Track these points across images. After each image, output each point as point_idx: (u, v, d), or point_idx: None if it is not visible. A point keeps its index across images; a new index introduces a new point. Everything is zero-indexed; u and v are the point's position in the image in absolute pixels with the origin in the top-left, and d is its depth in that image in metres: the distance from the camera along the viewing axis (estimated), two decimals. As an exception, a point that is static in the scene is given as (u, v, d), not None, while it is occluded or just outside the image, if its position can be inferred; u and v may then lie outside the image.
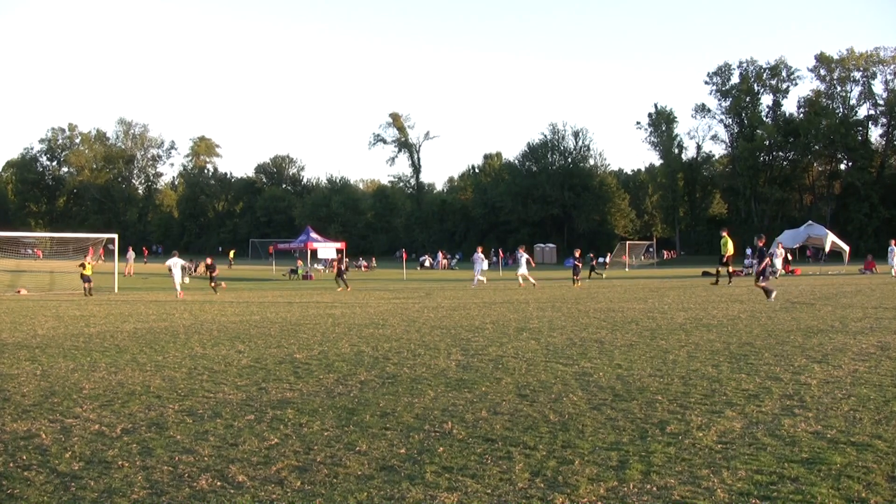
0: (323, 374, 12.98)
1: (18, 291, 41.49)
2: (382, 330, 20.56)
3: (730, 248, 40.01)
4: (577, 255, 46.32)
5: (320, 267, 78.57)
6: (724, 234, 40.34)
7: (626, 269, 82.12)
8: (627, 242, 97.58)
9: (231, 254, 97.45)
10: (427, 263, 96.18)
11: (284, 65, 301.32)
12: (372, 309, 28.30)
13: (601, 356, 14.81)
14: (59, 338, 19.44)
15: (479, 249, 50.94)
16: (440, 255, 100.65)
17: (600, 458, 7.67)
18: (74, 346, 17.62)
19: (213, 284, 42.76)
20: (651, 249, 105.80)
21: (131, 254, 73.83)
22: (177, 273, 39.63)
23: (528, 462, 7.60)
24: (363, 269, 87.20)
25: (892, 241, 51.02)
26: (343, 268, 47.17)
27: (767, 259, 29.71)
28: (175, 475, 7.27)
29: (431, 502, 6.56)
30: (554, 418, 9.43)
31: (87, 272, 40.37)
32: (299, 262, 73.37)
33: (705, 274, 56.34)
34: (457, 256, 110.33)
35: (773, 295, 27.73)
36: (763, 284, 28.16)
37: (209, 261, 45.42)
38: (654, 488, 6.77)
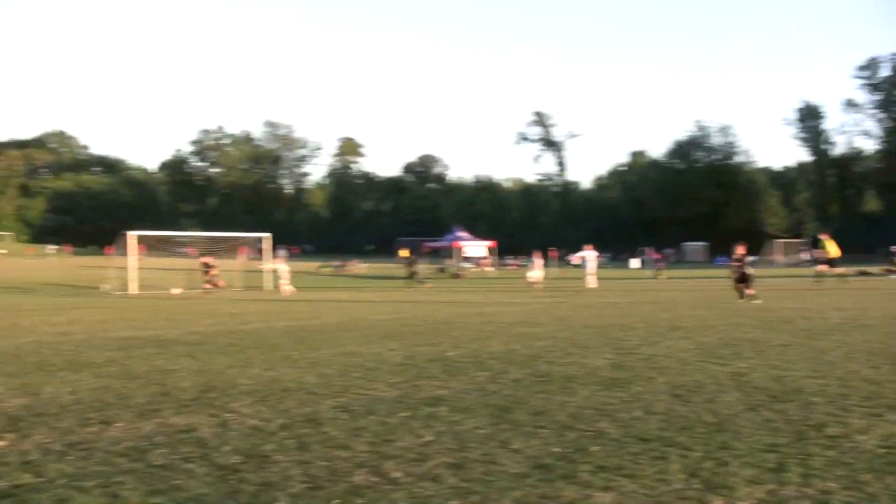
0: (475, 372, 12.99)
1: (170, 291, 42.60)
2: (533, 328, 20.51)
3: (832, 249, 39.36)
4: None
5: (469, 265, 78.76)
6: (825, 237, 39.84)
7: (776, 268, 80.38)
8: (779, 240, 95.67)
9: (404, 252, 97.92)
10: (575, 262, 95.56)
11: (429, 64, 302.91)
12: (521, 307, 28.27)
13: (756, 356, 14.52)
14: (214, 335, 19.87)
15: (589, 248, 49.83)
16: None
17: (758, 461, 7.50)
18: (230, 342, 17.96)
19: (206, 284, 41.86)
20: (806, 247, 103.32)
21: (282, 253, 75.04)
22: (283, 272, 40.09)
23: (685, 462, 7.48)
24: (512, 267, 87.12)
25: None
26: (413, 267, 45.97)
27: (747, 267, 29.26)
28: (331, 470, 7.34)
29: (586, 501, 6.51)
30: (709, 419, 9.28)
31: (214, 272, 41.52)
32: (448, 261, 73.62)
33: (862, 274, 54.94)
34: (606, 256, 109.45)
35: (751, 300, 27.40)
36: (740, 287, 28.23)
37: (203, 260, 43.42)
38: (815, 492, 6.60)
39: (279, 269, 40.14)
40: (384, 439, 8.50)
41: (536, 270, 45.48)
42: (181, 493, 6.71)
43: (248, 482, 7.01)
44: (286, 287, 39.12)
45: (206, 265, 42.49)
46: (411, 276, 44.34)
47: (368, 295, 38.48)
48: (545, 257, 58.58)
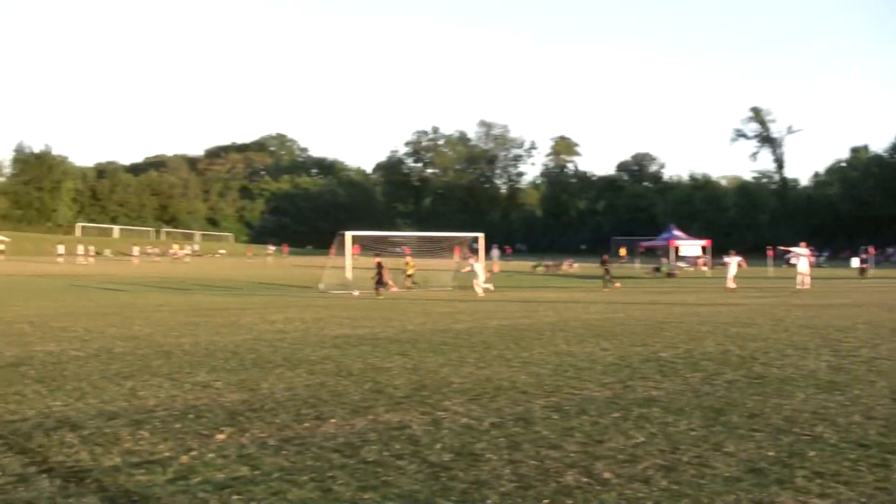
0: (689, 373, 12.80)
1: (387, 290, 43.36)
2: (748, 329, 20.13)
3: None
4: None
5: (683, 265, 77.58)
6: None
7: None
8: None
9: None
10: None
11: (644, 62, 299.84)
12: (737, 308, 27.76)
13: None
14: (427, 333, 20.07)
15: (803, 245, 48.14)
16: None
17: None
18: (443, 341, 18.12)
19: (376, 289, 39.87)
20: None
21: (495, 252, 75.71)
22: (478, 270, 39.88)
23: (907, 470, 7.22)
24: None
25: None
26: (606, 266, 44.90)
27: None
28: (541, 470, 7.34)
29: (802, 508, 6.35)
30: (935, 425, 8.93)
31: (410, 272, 41.94)
32: (663, 260, 72.76)
33: None
34: (822, 255, 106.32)
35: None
36: None
37: (376, 260, 42.11)
38: None
39: (475, 268, 40.21)
40: (595, 440, 8.46)
41: (732, 269, 44.43)
42: (392, 490, 6.80)
43: (458, 480, 7.06)
44: (481, 286, 38.99)
45: (380, 265, 42.29)
46: (606, 274, 43.96)
47: (581, 294, 38.34)
48: (764, 256, 57.27)
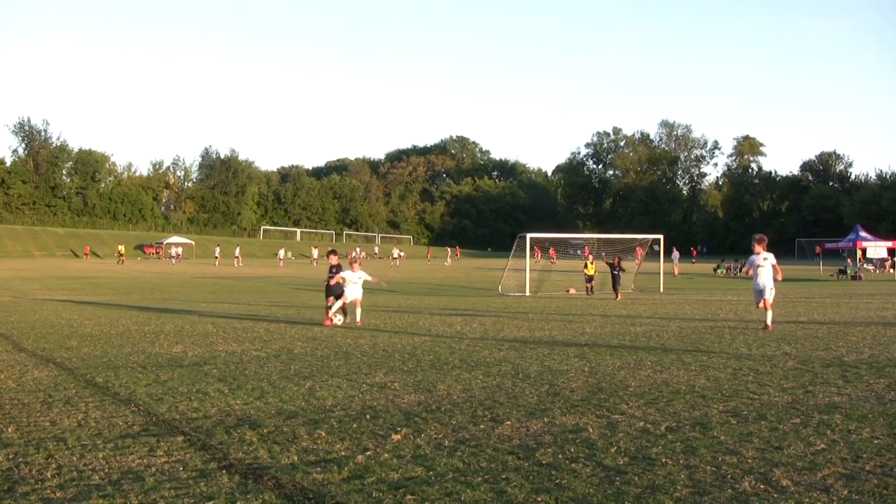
0: (873, 379, 12.41)
1: (567, 291, 43.21)
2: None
3: None
4: None
5: (870, 267, 75.36)
6: None
7: None
8: None
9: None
10: None
11: (828, 56, 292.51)
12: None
13: None
14: (605, 336, 19.94)
15: None
16: None
17: None
18: (621, 343, 18.01)
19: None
20: None
21: (676, 254, 74.95)
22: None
23: None
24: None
25: None
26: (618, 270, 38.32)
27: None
28: (718, 475, 7.22)
29: None
30: None
31: (590, 272, 41.35)
32: (849, 261, 70.88)
33: None
34: None
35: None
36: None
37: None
38: None
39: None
40: (774, 446, 8.28)
41: None
42: (566, 493, 6.78)
43: (632, 484, 6.99)
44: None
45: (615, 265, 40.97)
46: (614, 280, 38.63)
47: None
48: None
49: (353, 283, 23.53)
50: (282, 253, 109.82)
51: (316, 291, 23.28)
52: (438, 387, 12.16)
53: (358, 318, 23.35)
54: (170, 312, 24.60)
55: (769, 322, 20.90)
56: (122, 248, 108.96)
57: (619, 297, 36.36)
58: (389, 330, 21.60)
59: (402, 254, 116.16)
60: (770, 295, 20.85)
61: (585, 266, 41.94)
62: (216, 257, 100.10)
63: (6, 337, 19.86)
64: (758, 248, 21.36)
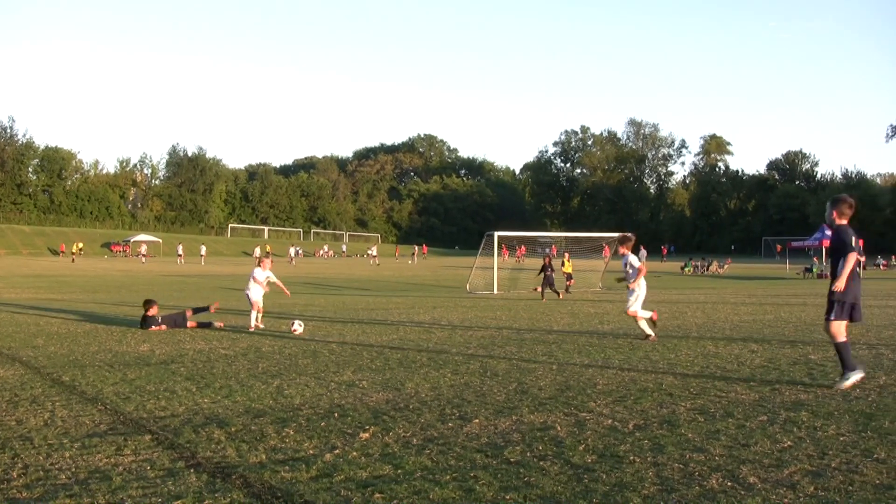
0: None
1: (535, 290, 43.26)
2: (901, 332, 19.62)
3: None
4: None
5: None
6: None
7: None
8: None
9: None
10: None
11: (795, 55, 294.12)
12: (893, 310, 27.07)
13: None
14: (573, 334, 20.01)
15: None
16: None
17: None
18: (588, 342, 18.05)
19: None
20: None
21: (643, 253, 75.26)
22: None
23: None
24: (883, 268, 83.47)
25: None
26: (548, 271, 36.44)
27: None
28: (685, 473, 7.25)
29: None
30: None
31: (567, 269, 41.42)
32: (815, 260, 71.40)
33: None
34: None
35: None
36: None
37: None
38: None
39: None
40: (741, 443, 8.34)
41: None
42: (534, 491, 6.79)
43: (601, 482, 7.02)
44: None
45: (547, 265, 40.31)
46: (545, 281, 37.26)
47: (731, 296, 37.76)
48: None
49: (258, 282, 22.22)
50: (292, 251, 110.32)
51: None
52: (407, 385, 12.16)
53: (252, 324, 21.76)
54: (137, 309, 24.44)
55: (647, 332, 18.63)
56: (80, 245, 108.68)
57: (562, 294, 36.43)
58: (357, 328, 21.59)
59: (374, 252, 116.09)
60: (631, 303, 18.71)
61: (563, 264, 41.87)
62: (179, 255, 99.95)
63: (-29, 336, 19.74)
64: (622, 249, 19.50)
